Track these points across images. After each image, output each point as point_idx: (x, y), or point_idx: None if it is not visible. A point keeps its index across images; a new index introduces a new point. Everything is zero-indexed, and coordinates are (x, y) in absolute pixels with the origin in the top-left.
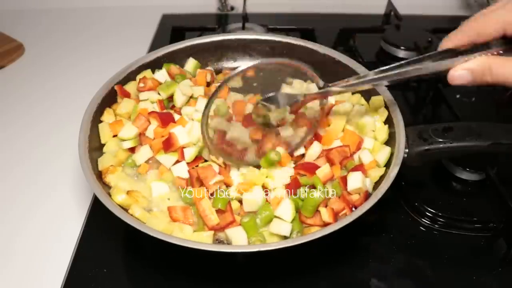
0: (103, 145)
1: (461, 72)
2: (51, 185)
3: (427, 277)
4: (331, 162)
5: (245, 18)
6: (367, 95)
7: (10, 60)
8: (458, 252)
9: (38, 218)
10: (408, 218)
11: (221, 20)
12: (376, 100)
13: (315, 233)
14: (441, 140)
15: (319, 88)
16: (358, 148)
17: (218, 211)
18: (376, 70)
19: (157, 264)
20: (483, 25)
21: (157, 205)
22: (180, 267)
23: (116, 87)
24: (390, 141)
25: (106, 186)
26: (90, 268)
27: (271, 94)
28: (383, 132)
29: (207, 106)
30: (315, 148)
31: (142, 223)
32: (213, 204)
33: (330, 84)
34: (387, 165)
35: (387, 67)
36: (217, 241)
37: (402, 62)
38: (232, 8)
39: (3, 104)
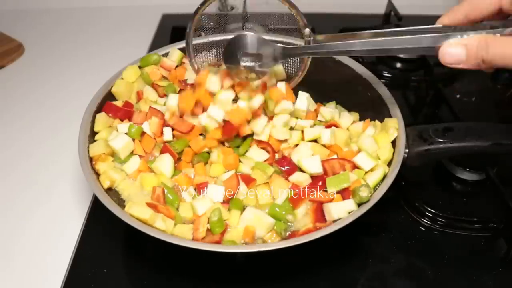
0: None
1: (454, 48)
2: (51, 185)
3: (427, 277)
4: (325, 172)
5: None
6: (381, 116)
7: (10, 60)
8: (458, 252)
9: (38, 218)
10: (408, 218)
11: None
12: (389, 122)
13: (315, 233)
14: (441, 140)
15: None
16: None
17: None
18: (370, 32)
19: (157, 264)
20: None
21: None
22: (180, 267)
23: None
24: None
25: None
26: (90, 268)
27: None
28: (387, 151)
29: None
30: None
31: (142, 223)
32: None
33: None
34: (387, 165)
35: (382, 30)
36: None
37: (398, 29)
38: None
39: (3, 104)
